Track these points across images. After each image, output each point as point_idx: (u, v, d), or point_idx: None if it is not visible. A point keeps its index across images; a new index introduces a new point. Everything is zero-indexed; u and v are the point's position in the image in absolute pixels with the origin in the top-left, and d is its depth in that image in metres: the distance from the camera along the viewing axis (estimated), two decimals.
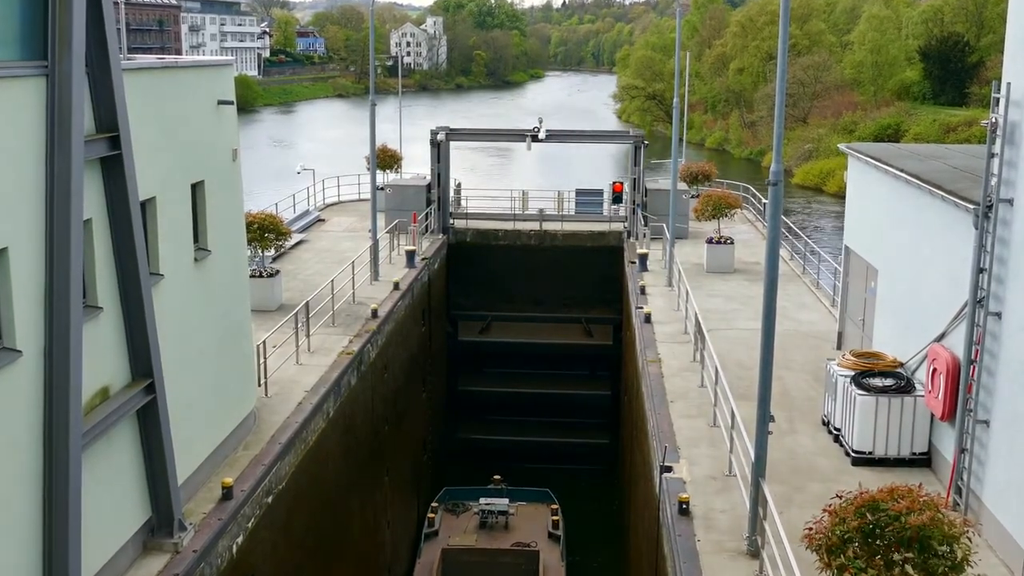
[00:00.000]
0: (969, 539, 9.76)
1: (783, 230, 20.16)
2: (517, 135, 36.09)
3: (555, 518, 26.12)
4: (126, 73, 12.30)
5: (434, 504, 27.11)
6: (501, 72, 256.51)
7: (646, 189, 34.85)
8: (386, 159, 39.59)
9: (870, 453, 15.94)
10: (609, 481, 31.04)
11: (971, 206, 14.11)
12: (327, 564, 18.68)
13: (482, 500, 26.40)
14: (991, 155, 13.45)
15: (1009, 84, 13.22)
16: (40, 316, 10.78)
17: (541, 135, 34.40)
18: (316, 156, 72.19)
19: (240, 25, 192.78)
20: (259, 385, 18.32)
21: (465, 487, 28.06)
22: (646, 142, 34.88)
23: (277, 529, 15.97)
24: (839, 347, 21.93)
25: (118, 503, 12.60)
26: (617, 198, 35.66)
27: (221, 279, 15.95)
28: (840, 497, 10.29)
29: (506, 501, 26.25)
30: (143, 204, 13.02)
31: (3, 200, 10.17)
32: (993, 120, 13.43)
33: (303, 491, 17.26)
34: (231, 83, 16.27)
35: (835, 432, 16.88)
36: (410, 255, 29.55)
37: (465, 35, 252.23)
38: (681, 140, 35.91)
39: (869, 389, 16.03)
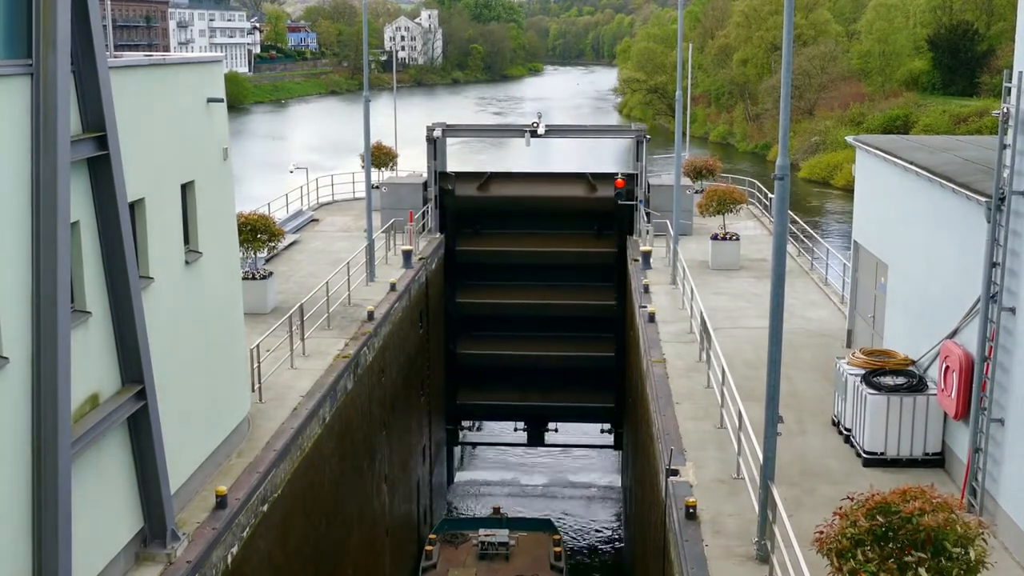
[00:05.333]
0: (984, 541, 9.61)
1: (789, 225, 19.86)
2: (516, 130, 35.69)
3: (557, 549, 25.48)
4: (113, 71, 12.14)
5: (432, 536, 26.51)
6: (498, 66, 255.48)
7: (649, 185, 34.50)
8: (381, 156, 39.24)
9: (882, 454, 15.75)
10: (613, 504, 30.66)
11: (983, 199, 13.94)
12: (325, 574, 18.38)
13: (481, 531, 25.94)
14: (1003, 146, 13.29)
15: (1021, 73, 13.04)
16: (27, 321, 10.63)
17: (540, 130, 34.01)
18: (309, 154, 71.89)
19: (229, 21, 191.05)
20: (253, 390, 18.11)
21: (464, 518, 27.58)
22: (648, 137, 34.52)
23: (273, 538, 15.78)
24: (849, 345, 21.65)
25: (109, 513, 12.44)
26: (619, 194, 35.24)
27: (213, 281, 15.76)
28: (851, 499, 10.12)
29: (506, 532, 25.79)
30: (132, 205, 12.87)
31: None
32: (1005, 110, 13.26)
33: (299, 499, 17.05)
34: (221, 80, 16.09)
35: (846, 432, 16.67)
36: (407, 255, 29.15)
37: (461, 28, 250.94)
38: (684, 134, 35.50)
39: (880, 388, 15.82)
